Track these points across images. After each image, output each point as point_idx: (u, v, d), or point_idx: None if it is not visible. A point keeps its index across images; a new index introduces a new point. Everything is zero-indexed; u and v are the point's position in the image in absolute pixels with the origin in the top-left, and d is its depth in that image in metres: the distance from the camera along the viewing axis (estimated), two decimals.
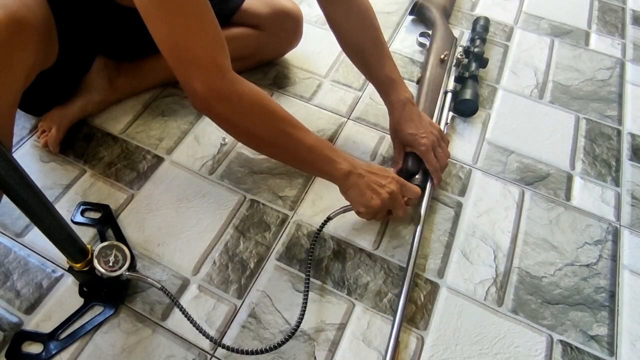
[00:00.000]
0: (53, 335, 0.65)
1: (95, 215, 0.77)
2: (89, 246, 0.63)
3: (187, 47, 0.58)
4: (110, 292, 0.68)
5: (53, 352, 0.64)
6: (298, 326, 0.64)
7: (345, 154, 0.71)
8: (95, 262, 0.62)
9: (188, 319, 0.62)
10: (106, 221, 0.76)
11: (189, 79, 0.60)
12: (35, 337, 0.65)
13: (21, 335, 0.65)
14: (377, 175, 0.71)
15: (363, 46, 0.81)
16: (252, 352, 0.63)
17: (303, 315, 0.66)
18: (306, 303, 0.67)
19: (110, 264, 0.63)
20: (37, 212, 0.52)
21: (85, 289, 0.69)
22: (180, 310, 0.63)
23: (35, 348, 0.64)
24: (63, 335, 0.65)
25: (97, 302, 0.68)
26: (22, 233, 0.75)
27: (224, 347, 0.62)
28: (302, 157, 0.68)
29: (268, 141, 0.66)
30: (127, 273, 0.64)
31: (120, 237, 0.75)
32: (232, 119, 0.64)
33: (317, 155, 0.68)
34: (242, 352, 0.63)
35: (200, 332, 0.62)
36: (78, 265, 0.61)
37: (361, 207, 0.71)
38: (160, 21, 0.57)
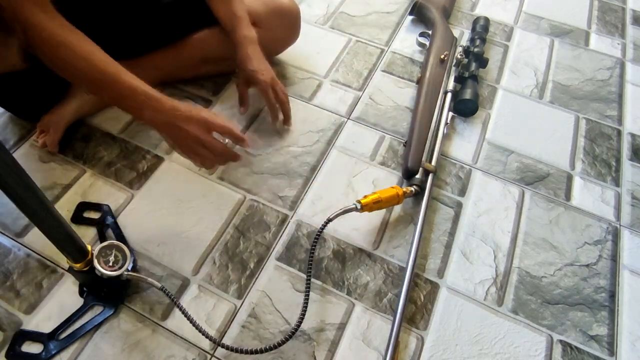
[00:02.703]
0: (53, 335, 0.65)
1: (95, 215, 0.77)
2: (89, 246, 0.63)
3: None
4: (110, 292, 0.68)
5: (53, 352, 0.64)
6: (298, 326, 0.64)
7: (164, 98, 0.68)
8: (95, 262, 0.62)
9: (188, 319, 0.62)
10: (106, 221, 0.76)
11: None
12: (35, 337, 0.65)
13: (21, 335, 0.65)
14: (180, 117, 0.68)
15: None
16: (251, 352, 0.63)
17: (304, 315, 0.66)
18: (307, 304, 0.67)
19: (110, 263, 0.63)
20: (37, 212, 0.52)
21: (85, 289, 0.69)
22: (180, 310, 0.63)
23: (35, 348, 0.64)
24: (63, 335, 0.65)
25: (97, 302, 0.68)
26: (22, 233, 0.75)
27: (223, 346, 0.62)
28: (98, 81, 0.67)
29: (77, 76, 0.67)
30: (127, 273, 0.64)
31: (120, 237, 0.75)
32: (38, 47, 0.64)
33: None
34: (241, 351, 0.63)
35: (200, 332, 0.62)
36: (78, 265, 0.61)
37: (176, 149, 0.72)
38: None
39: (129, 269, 0.64)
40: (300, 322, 0.65)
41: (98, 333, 0.66)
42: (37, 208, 0.52)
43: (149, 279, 0.65)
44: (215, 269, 0.73)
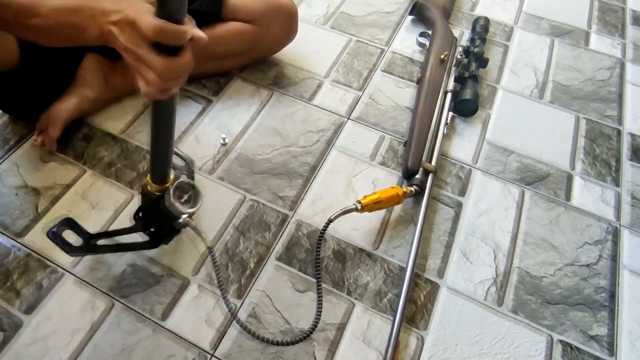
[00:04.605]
0: (93, 237, 0.67)
1: (180, 162, 0.76)
2: (172, 177, 0.63)
3: None
4: (159, 230, 0.69)
5: (84, 252, 0.67)
6: (313, 329, 0.68)
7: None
8: (171, 190, 0.62)
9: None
10: (185, 170, 0.75)
11: None
12: (78, 231, 0.66)
13: (68, 223, 0.65)
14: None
15: None
16: (261, 339, 0.66)
17: (319, 318, 0.69)
18: (321, 306, 0.70)
19: (182, 200, 0.63)
20: (165, 125, 0.55)
21: (140, 215, 0.69)
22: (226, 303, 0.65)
23: (74, 239, 0.66)
24: (100, 242, 0.68)
25: (144, 231, 0.69)
26: (22, 233, 0.75)
27: (239, 322, 0.67)
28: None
29: None
30: (187, 218, 0.64)
31: None
32: None
33: None
34: (253, 334, 0.66)
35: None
36: (155, 186, 0.62)
37: None
38: None
39: (191, 214, 0.64)
40: (316, 325, 0.68)
41: (98, 333, 0.66)
42: (167, 122, 0.55)
43: (203, 234, 0.66)
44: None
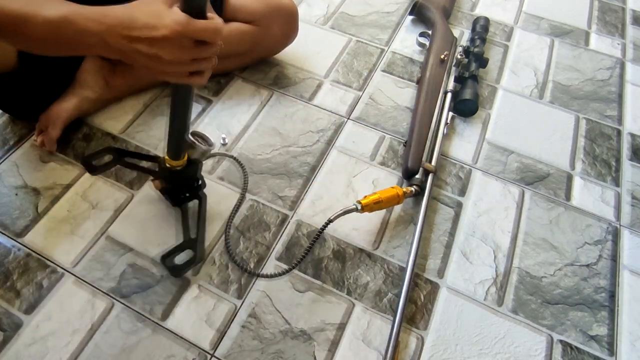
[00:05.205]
0: (192, 239, 0.72)
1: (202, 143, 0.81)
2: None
3: None
4: (190, 191, 0.77)
5: (202, 251, 0.72)
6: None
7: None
8: (191, 138, 0.70)
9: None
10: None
11: None
12: (180, 249, 0.71)
13: (167, 256, 0.70)
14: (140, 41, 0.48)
15: None
16: (293, 267, 0.74)
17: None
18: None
19: (201, 142, 0.74)
20: (182, 112, 0.62)
21: (169, 197, 0.77)
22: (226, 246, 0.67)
23: (185, 256, 0.71)
24: (193, 236, 0.73)
25: (187, 202, 0.77)
26: (22, 233, 0.75)
27: (260, 276, 0.72)
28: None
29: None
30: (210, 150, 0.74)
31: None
32: None
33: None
34: (278, 275, 0.73)
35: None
36: (179, 162, 0.69)
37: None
38: None
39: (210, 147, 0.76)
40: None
41: (98, 333, 0.66)
42: (185, 110, 0.62)
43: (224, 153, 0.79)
44: (215, 269, 0.73)
